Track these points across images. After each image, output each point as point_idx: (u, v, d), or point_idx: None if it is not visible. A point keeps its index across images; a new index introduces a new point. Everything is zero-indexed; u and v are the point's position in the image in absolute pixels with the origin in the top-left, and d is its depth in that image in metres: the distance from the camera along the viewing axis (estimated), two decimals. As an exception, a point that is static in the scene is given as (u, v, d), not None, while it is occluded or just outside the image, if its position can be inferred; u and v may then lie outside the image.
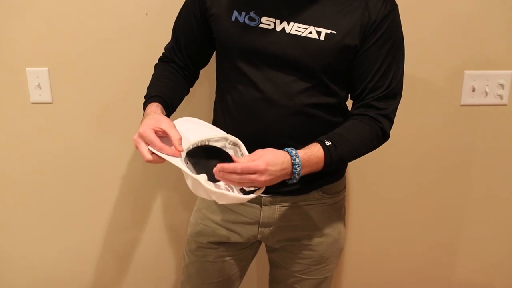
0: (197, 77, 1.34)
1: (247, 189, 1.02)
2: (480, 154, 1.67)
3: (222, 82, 1.24)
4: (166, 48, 1.29)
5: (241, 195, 0.99)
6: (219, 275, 1.34)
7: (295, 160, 1.02)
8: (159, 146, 1.00)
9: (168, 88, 1.20)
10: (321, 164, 1.06)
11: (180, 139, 1.01)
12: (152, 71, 1.26)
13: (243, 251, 1.33)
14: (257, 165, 0.98)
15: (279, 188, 1.20)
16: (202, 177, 0.97)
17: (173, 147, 1.01)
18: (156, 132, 1.02)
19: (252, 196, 1.00)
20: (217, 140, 1.08)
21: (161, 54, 1.31)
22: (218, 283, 1.35)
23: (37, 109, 1.56)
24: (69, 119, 1.57)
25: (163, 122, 1.03)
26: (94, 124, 1.58)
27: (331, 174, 1.26)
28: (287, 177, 1.04)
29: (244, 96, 1.15)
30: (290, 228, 1.26)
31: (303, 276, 1.31)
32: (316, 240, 1.27)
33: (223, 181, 1.00)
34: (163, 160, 1.01)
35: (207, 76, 1.39)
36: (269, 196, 1.23)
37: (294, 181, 1.05)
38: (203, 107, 1.50)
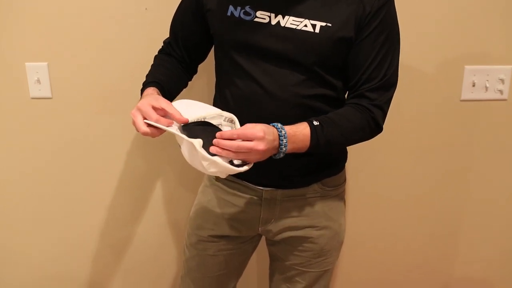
0: (195, 72, 1.35)
1: (236, 162, 1.02)
2: (480, 149, 1.67)
3: (221, 77, 1.24)
4: (164, 42, 1.31)
5: (231, 166, 0.99)
6: (219, 269, 1.34)
7: (281, 132, 1.03)
8: (155, 118, 1.01)
9: (165, 75, 1.22)
10: (307, 143, 1.06)
11: (180, 114, 1.03)
12: (150, 65, 1.27)
13: (244, 245, 1.34)
14: (255, 132, 0.98)
15: (280, 181, 1.22)
16: (197, 142, 0.98)
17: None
18: (155, 110, 1.03)
19: (242, 169, 1.01)
20: (213, 117, 1.08)
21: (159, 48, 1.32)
22: (219, 276, 1.35)
23: (36, 104, 1.56)
24: (68, 114, 1.57)
25: (162, 101, 1.04)
26: (94, 119, 1.58)
27: (331, 166, 1.26)
28: (275, 151, 1.04)
29: (243, 90, 1.16)
30: (290, 221, 1.26)
31: (304, 269, 1.31)
32: (317, 233, 1.27)
33: (220, 153, 0.99)
34: (158, 133, 1.02)
35: (206, 71, 1.39)
36: (270, 189, 1.23)
37: (281, 155, 1.05)
38: (203, 102, 1.50)
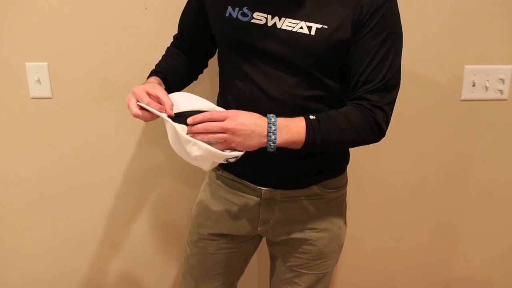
0: (205, 66, 1.37)
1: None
2: (480, 149, 1.67)
3: (222, 77, 1.25)
4: (174, 36, 1.34)
5: (213, 149, 0.99)
6: (220, 267, 1.34)
7: (270, 119, 1.03)
8: (147, 101, 1.03)
9: (172, 66, 1.24)
10: (302, 136, 1.04)
11: (172, 105, 1.04)
12: (152, 65, 1.27)
13: (244, 244, 1.34)
14: (227, 111, 1.01)
15: (279, 182, 1.22)
16: (180, 127, 0.99)
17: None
18: (149, 96, 1.05)
19: (226, 154, 1.00)
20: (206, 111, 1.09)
21: (160, 49, 1.33)
22: (219, 275, 1.35)
23: (36, 104, 1.56)
24: (69, 114, 1.57)
25: (158, 90, 1.06)
26: (94, 119, 1.58)
27: (332, 168, 1.26)
28: (263, 140, 1.02)
29: (243, 91, 1.16)
30: (290, 222, 1.26)
31: (303, 271, 1.30)
32: (316, 235, 1.27)
33: (195, 138, 1.00)
34: (150, 117, 1.05)
35: (207, 71, 1.39)
36: (269, 190, 1.23)
37: (271, 144, 1.03)
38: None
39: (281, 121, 1.04)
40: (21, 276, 1.77)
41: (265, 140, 1.03)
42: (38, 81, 1.53)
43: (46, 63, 1.52)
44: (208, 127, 1.00)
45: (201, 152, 0.99)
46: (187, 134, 1.00)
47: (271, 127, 1.02)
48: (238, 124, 0.99)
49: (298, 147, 1.06)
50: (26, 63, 1.51)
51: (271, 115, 1.04)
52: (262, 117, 1.03)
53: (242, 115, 1.01)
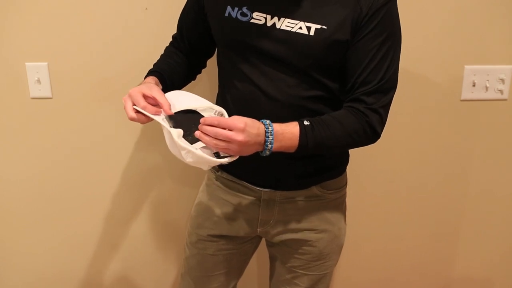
0: (203, 66, 1.37)
1: (222, 154, 1.03)
2: (480, 149, 1.67)
3: (221, 77, 1.25)
4: (172, 36, 1.34)
5: (207, 156, 1.00)
6: (219, 268, 1.34)
7: (267, 128, 1.03)
8: (143, 105, 1.03)
9: (169, 66, 1.24)
10: (295, 142, 1.05)
11: (169, 105, 1.04)
12: (151, 65, 1.28)
13: (243, 245, 1.34)
14: (236, 122, 0.99)
15: (277, 183, 1.22)
16: (176, 132, 1.00)
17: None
18: (146, 98, 1.05)
19: (221, 160, 1.01)
20: (204, 110, 1.09)
21: (160, 49, 1.33)
22: (218, 275, 1.35)
23: (36, 104, 1.56)
24: (69, 114, 1.57)
25: (155, 91, 1.06)
26: (94, 119, 1.58)
27: (331, 169, 1.25)
28: (260, 148, 1.03)
29: (242, 92, 1.16)
30: (289, 223, 1.26)
31: (303, 272, 1.30)
32: (316, 236, 1.26)
33: (202, 138, 1.01)
34: (146, 120, 1.05)
35: (206, 71, 1.39)
36: (268, 191, 1.23)
37: (267, 152, 1.04)
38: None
39: (277, 128, 1.04)
40: (21, 276, 1.77)
41: (261, 148, 1.04)
42: (38, 81, 1.53)
43: (46, 63, 1.52)
44: (217, 134, 0.99)
45: (195, 159, 1.00)
46: (186, 134, 1.01)
47: (268, 136, 1.03)
48: (245, 137, 0.99)
49: (292, 151, 1.07)
50: (26, 63, 1.51)
51: (268, 122, 1.04)
52: (261, 125, 1.03)
53: (249, 127, 1.00)
